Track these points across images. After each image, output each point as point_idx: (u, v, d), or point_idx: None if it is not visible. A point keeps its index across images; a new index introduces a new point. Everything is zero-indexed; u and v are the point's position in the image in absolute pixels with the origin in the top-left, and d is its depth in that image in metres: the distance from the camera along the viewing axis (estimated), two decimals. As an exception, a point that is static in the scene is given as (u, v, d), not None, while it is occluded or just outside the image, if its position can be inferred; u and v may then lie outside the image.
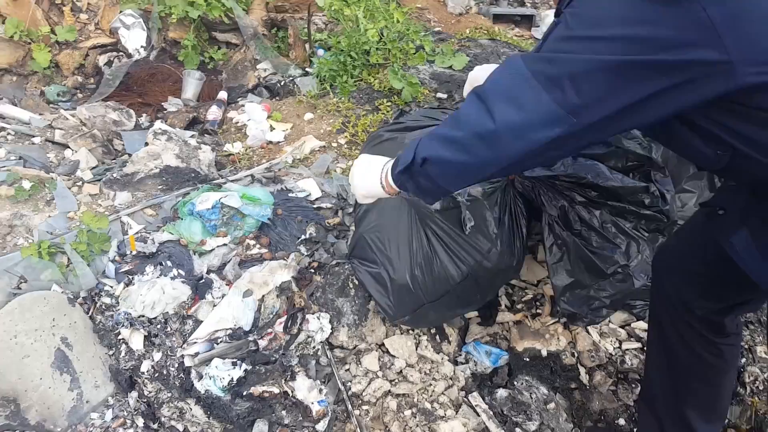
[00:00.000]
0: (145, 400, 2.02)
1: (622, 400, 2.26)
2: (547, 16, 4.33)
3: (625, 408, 2.24)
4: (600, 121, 1.10)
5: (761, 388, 2.27)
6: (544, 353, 2.35)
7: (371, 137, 2.51)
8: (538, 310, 2.45)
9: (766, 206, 1.24)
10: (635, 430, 2.14)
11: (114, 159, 2.81)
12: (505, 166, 1.23)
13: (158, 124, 2.98)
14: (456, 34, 3.80)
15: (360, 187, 1.55)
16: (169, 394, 2.01)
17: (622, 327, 2.42)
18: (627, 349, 2.36)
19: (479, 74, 1.86)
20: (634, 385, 2.27)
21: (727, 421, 2.22)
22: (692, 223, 1.64)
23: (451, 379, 2.23)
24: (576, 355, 2.35)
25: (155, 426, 2.00)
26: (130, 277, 2.09)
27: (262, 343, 2.07)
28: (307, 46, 3.73)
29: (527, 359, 2.33)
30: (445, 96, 3.05)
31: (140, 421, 1.99)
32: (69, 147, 2.73)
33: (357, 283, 2.24)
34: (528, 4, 4.97)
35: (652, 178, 2.14)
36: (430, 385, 2.19)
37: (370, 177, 1.51)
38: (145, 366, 2.04)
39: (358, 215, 2.29)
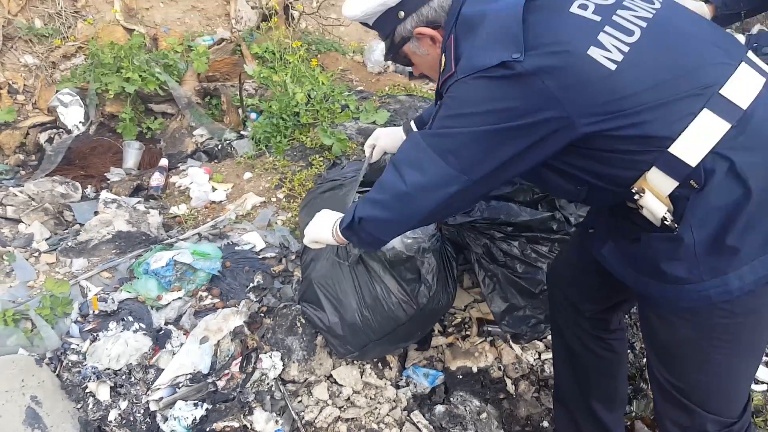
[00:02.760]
0: (115, 448, 2.19)
1: (544, 404, 2.56)
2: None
3: (548, 411, 2.54)
4: (486, 175, 1.43)
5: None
6: (475, 369, 2.64)
7: (307, 196, 2.81)
8: (467, 332, 2.75)
9: (622, 223, 1.58)
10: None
11: (66, 229, 2.99)
12: (423, 217, 1.58)
13: (105, 194, 3.19)
14: (377, 92, 4.18)
15: (313, 234, 1.92)
16: (137, 439, 2.18)
17: (540, 340, 2.75)
18: (545, 359, 2.69)
19: (379, 134, 2.35)
20: (553, 390, 2.59)
21: (634, 413, 2.56)
22: (572, 241, 2.01)
23: (394, 401, 2.48)
24: (502, 368, 2.66)
25: (125, 470, 2.16)
26: (95, 334, 2.28)
27: (221, 383, 2.28)
28: (240, 111, 4.03)
29: (460, 376, 2.62)
30: (370, 149, 3.38)
31: (111, 468, 2.16)
32: (22, 221, 2.90)
33: (304, 322, 2.49)
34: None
35: (557, 206, 2.52)
36: (376, 408, 2.43)
37: (324, 228, 1.88)
38: (113, 415, 2.21)
39: (305, 262, 2.55)
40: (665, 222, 1.37)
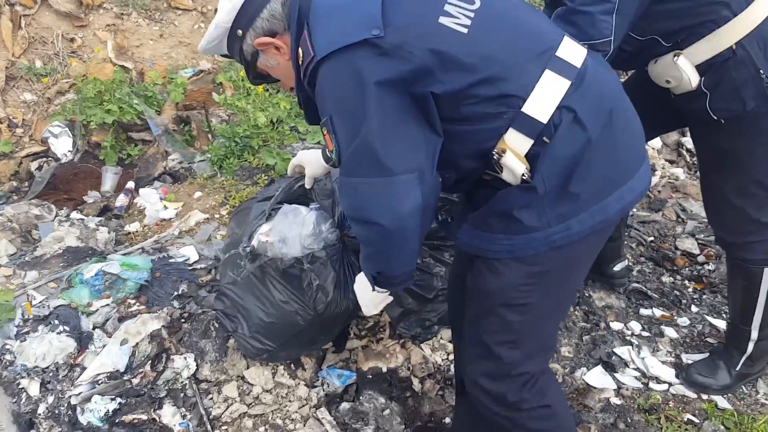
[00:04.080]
0: (41, 438, 2.45)
1: (447, 402, 2.70)
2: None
3: (451, 408, 2.67)
4: (419, 156, 1.47)
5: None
6: (385, 369, 2.80)
7: (238, 207, 3.05)
8: (381, 335, 2.93)
9: (477, 194, 1.69)
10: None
11: (32, 246, 3.32)
12: (422, 230, 1.59)
13: (72, 214, 3.51)
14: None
15: (368, 302, 2.07)
16: (60, 429, 2.43)
17: (450, 341, 2.89)
18: (453, 360, 2.83)
19: (303, 159, 2.42)
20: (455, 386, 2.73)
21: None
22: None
23: (305, 399, 2.66)
24: (410, 368, 2.82)
25: (48, 459, 2.42)
26: (25, 336, 2.57)
27: (135, 381, 2.52)
28: (209, 136, 4.33)
29: (371, 376, 2.79)
30: (313, 167, 3.61)
31: (36, 456, 2.42)
32: (-11, 240, 3.24)
33: (217, 326, 2.72)
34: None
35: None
36: (285, 405, 2.62)
37: (368, 292, 1.97)
38: (41, 408, 2.48)
39: (220, 271, 2.80)
40: (524, 177, 1.50)
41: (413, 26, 1.44)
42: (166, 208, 3.49)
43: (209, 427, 2.47)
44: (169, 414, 2.45)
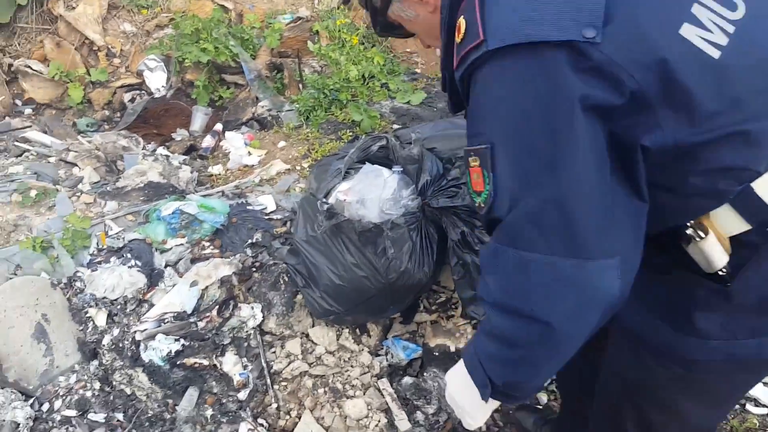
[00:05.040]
0: (103, 368, 2.46)
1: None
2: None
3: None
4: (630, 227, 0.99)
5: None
6: (453, 349, 2.66)
7: (318, 163, 2.94)
8: (452, 312, 2.77)
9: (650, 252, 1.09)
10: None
11: (116, 177, 3.34)
12: (587, 334, 1.05)
13: (158, 150, 3.51)
14: (431, 75, 4.22)
15: (477, 412, 1.29)
16: (122, 363, 2.43)
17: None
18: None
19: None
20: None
21: None
22: None
23: (367, 367, 2.56)
24: (480, 351, 2.65)
25: (108, 389, 2.43)
26: (97, 265, 2.57)
27: (201, 324, 2.48)
28: (300, 85, 4.23)
29: (437, 354, 2.65)
30: (399, 126, 3.45)
31: (97, 385, 2.42)
32: (77, 165, 3.28)
33: (287, 280, 2.64)
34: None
35: None
36: (347, 370, 2.53)
37: (474, 399, 1.24)
38: (106, 339, 2.49)
39: (294, 225, 2.71)
40: (720, 273, 1.04)
41: (642, 34, 0.91)
42: (249, 154, 3.43)
43: (269, 380, 2.41)
44: (230, 362, 2.40)
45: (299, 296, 2.62)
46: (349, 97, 3.62)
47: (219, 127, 3.89)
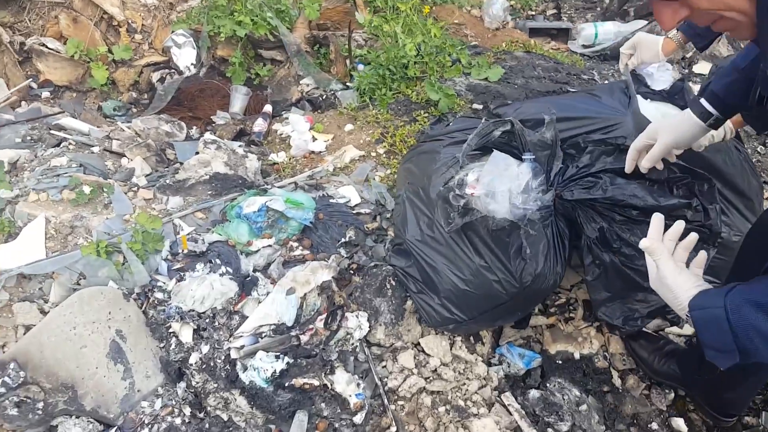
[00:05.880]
0: (193, 391, 2.14)
1: (654, 404, 2.28)
2: (583, 29, 4.39)
3: (659, 413, 2.26)
4: None
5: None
6: (577, 356, 2.40)
7: (408, 153, 2.62)
8: (572, 314, 2.50)
9: None
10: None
11: (167, 167, 2.97)
12: None
13: (208, 135, 3.15)
14: (492, 48, 3.90)
15: (666, 291, 1.40)
16: (215, 385, 2.12)
17: (656, 332, 2.45)
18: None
19: (660, 129, 1.73)
20: (667, 390, 2.30)
21: (762, 428, 2.24)
22: None
23: (484, 379, 2.29)
24: (608, 358, 2.39)
25: (201, 415, 2.11)
26: (182, 273, 2.23)
27: (304, 338, 2.17)
28: (347, 61, 3.87)
29: (560, 362, 2.39)
30: (480, 107, 3.14)
31: (187, 410, 2.11)
32: (125, 156, 2.91)
33: (394, 284, 2.33)
34: (564, 17, 5.05)
35: (696, 191, 2.14)
36: (464, 384, 2.25)
37: (679, 293, 1.35)
38: (194, 358, 2.16)
39: (398, 220, 2.39)
40: None
41: None
42: (314, 139, 3.08)
43: (386, 400, 2.12)
44: (343, 381, 2.10)
45: (409, 302, 2.32)
46: (418, 73, 3.28)
47: (269, 108, 3.53)
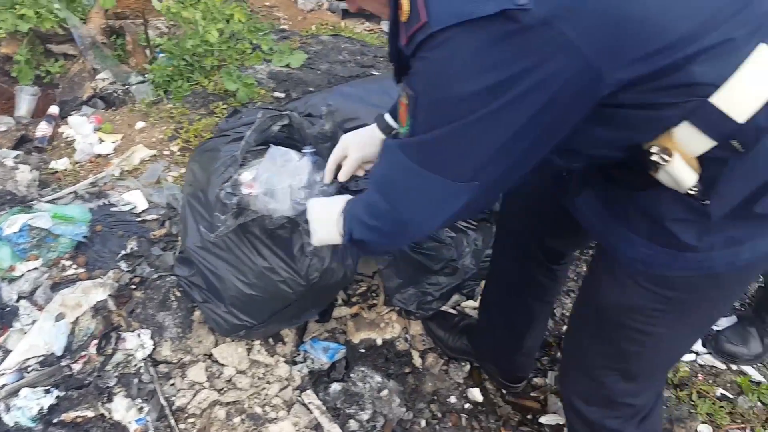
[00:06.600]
0: (-48, 441, 1.92)
1: (453, 378, 2.33)
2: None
3: (457, 386, 2.31)
4: (506, 171, 1.08)
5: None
6: (380, 342, 2.40)
7: (198, 148, 2.47)
8: (374, 301, 2.50)
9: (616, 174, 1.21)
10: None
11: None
12: (431, 233, 1.42)
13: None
14: (301, 31, 3.79)
15: (320, 238, 1.57)
16: (-23, 432, 1.91)
17: (454, 308, 2.50)
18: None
19: (348, 143, 1.80)
20: (463, 364, 2.36)
21: (549, 385, 2.35)
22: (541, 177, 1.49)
23: (286, 380, 2.23)
24: (409, 340, 2.42)
25: (-37, 467, 1.90)
26: None
27: (76, 366, 2.00)
28: (147, 51, 3.63)
29: (363, 350, 2.38)
30: (282, 95, 3.04)
31: (-54, 464, 1.89)
32: None
33: (179, 295, 2.21)
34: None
35: None
36: (263, 389, 2.18)
37: (330, 231, 1.52)
38: (-50, 405, 1.94)
39: (181, 227, 2.26)
40: (690, 193, 1.06)
41: None
42: (101, 141, 2.86)
43: (172, 420, 2.01)
44: (122, 408, 1.96)
45: (197, 312, 2.21)
46: (216, 62, 3.12)
47: (54, 109, 3.22)
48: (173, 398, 2.06)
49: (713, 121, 0.98)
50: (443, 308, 2.47)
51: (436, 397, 2.29)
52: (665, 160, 1.02)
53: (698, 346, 2.48)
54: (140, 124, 2.95)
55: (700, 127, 0.99)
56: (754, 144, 1.00)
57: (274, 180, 1.99)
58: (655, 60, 0.93)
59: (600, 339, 1.39)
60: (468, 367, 2.36)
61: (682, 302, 1.25)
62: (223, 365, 2.19)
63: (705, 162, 1.03)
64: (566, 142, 1.05)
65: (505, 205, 1.87)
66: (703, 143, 1.01)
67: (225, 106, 2.96)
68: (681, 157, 1.02)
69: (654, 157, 1.03)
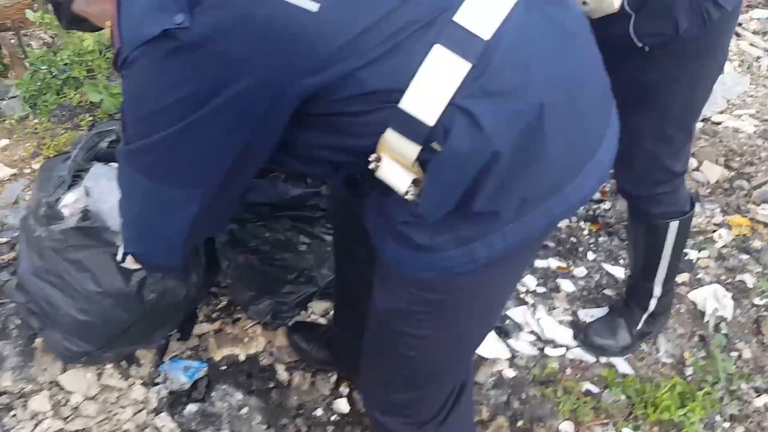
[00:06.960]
0: None
1: (320, 390, 2.29)
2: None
3: (324, 398, 2.27)
4: (227, 177, 1.10)
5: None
6: (243, 357, 2.34)
7: (44, 166, 2.36)
8: (238, 315, 2.44)
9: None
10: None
11: None
12: (183, 244, 1.24)
13: None
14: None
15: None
16: None
17: (323, 316, 2.46)
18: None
19: None
20: (330, 374, 2.31)
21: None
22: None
23: (141, 403, 2.17)
24: (274, 354, 2.36)
25: None
26: None
27: None
28: (27, 64, 3.50)
29: (225, 367, 2.32)
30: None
31: None
32: None
33: (19, 322, 2.13)
34: None
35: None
36: (115, 414, 2.12)
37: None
38: None
39: (19, 252, 2.17)
40: (407, 197, 1.07)
41: (230, 5, 0.96)
42: (-42, 163, 2.74)
43: (10, 456, 1.93)
44: (-51, 448, 1.88)
45: (39, 339, 2.13)
46: (84, 73, 3.02)
47: None
48: (12, 431, 1.99)
49: (410, 126, 0.99)
50: (311, 319, 2.43)
51: (301, 411, 2.25)
52: (377, 166, 1.05)
53: (568, 339, 2.48)
54: (3, 142, 2.84)
55: (401, 132, 1.01)
56: (444, 142, 1.01)
57: (100, 200, 1.93)
58: (323, 73, 0.95)
59: (382, 346, 1.40)
60: (335, 377, 2.32)
61: (441, 303, 1.24)
62: (69, 392, 2.11)
63: (423, 165, 1.04)
64: (290, 148, 1.09)
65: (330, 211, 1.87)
66: (410, 148, 1.02)
67: (91, 118, 2.87)
68: (395, 162, 1.04)
69: (371, 164, 1.05)
